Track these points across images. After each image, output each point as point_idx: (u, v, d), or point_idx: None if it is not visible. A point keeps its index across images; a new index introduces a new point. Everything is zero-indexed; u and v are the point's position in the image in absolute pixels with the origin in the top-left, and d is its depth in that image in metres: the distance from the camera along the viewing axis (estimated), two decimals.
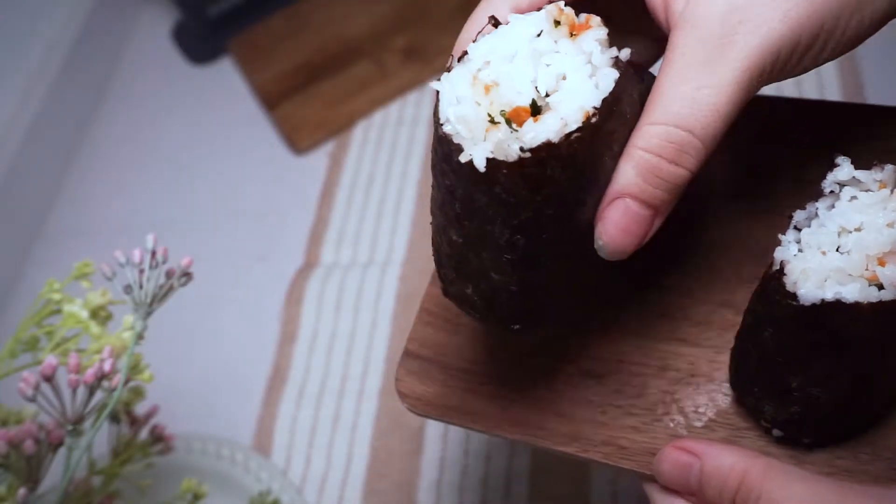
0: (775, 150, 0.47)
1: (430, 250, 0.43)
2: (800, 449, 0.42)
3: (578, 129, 0.33)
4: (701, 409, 0.44)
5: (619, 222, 0.36)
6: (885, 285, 0.36)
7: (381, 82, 0.98)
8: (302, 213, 0.91)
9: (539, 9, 0.36)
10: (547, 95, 0.34)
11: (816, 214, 0.39)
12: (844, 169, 0.40)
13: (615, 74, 0.34)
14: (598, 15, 0.36)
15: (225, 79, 1.06)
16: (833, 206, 0.39)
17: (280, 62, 1.03)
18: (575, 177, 0.34)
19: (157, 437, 0.57)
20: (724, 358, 0.44)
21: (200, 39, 1.08)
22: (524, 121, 0.33)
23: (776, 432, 0.42)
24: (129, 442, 0.56)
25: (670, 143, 0.35)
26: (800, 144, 0.47)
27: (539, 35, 0.35)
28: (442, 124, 0.34)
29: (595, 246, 0.37)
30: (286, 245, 0.89)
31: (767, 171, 0.47)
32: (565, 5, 0.36)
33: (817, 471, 0.40)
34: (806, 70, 0.37)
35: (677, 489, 0.39)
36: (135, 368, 0.50)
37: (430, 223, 0.41)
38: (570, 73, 0.34)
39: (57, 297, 0.51)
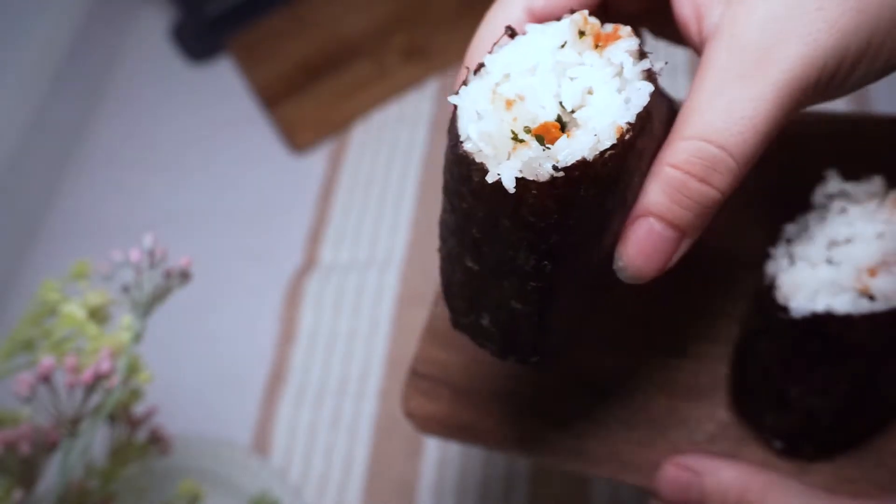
0: (766, 161, 0.47)
1: (430, 250, 0.42)
2: (802, 460, 0.41)
3: (612, 147, 0.30)
4: (702, 422, 0.44)
5: (640, 243, 0.33)
6: (876, 296, 0.36)
7: (380, 81, 0.98)
8: (301, 212, 0.91)
9: (558, 18, 0.34)
10: (572, 112, 0.32)
11: (807, 227, 0.39)
12: (833, 181, 0.40)
13: (650, 88, 0.32)
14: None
15: (223, 78, 1.05)
16: (823, 219, 0.39)
17: (279, 61, 1.02)
18: (606, 198, 0.32)
19: (155, 438, 0.57)
20: (725, 370, 0.44)
21: (199, 38, 1.08)
22: (555, 138, 0.31)
23: (777, 443, 0.42)
24: (127, 443, 0.56)
25: (699, 160, 0.32)
26: (788, 157, 0.47)
27: (563, 46, 0.32)
28: (462, 141, 0.32)
29: (614, 267, 0.34)
30: (285, 245, 0.89)
31: (758, 185, 0.47)
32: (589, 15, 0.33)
33: (821, 481, 0.40)
34: (852, 89, 0.34)
35: None
36: (133, 369, 0.50)
37: (438, 250, 0.38)
38: (597, 88, 0.32)
39: (53, 297, 0.50)
